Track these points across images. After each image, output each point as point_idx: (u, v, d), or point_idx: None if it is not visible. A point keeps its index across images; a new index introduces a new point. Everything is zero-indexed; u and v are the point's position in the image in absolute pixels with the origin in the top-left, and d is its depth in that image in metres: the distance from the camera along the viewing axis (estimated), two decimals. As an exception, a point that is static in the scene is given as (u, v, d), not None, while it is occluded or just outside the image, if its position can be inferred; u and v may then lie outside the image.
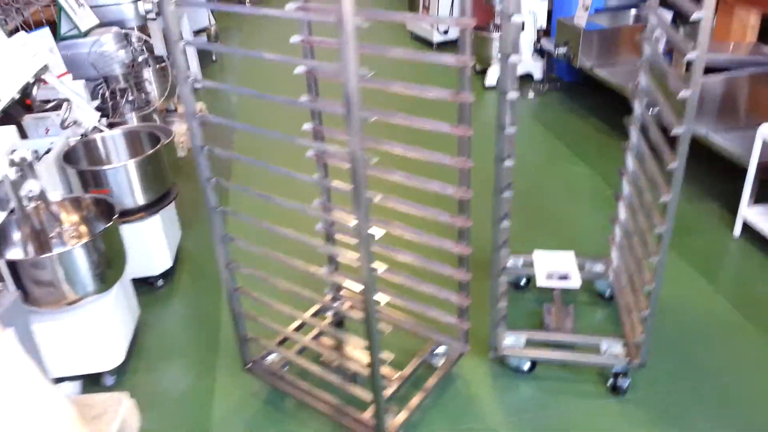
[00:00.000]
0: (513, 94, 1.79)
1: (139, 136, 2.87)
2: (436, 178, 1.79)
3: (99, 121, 2.80)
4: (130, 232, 2.60)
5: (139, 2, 3.99)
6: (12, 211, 2.14)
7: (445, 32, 6.05)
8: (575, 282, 2.42)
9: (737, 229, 2.99)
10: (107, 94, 3.37)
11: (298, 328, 2.31)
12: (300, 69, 1.81)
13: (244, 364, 2.23)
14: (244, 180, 3.82)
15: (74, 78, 3.11)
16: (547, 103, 4.80)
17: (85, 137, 2.77)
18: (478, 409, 2.17)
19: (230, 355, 2.45)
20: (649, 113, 2.19)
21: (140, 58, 3.65)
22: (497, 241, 2.01)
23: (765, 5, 3.29)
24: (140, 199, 2.65)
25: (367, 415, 1.96)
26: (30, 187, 2.07)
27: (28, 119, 2.87)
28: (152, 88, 3.80)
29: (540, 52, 5.04)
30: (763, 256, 2.84)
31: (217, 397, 2.28)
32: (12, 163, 2.01)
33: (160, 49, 4.19)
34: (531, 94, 4.94)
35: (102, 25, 3.70)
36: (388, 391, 2.04)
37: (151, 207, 2.70)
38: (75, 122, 2.66)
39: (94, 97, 3.38)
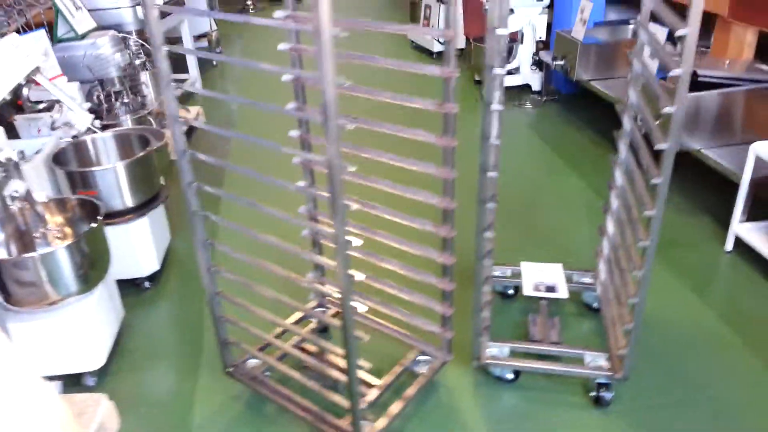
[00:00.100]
0: (497, 106, 1.79)
1: (130, 139, 2.88)
2: (424, 188, 1.80)
3: (92, 123, 2.81)
4: (117, 234, 2.60)
5: (137, 6, 4.01)
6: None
7: (443, 43, 6.07)
8: (562, 293, 2.42)
9: (729, 244, 2.97)
10: (102, 96, 3.38)
11: (280, 334, 2.30)
12: (287, 77, 1.81)
13: (224, 367, 2.22)
14: (237, 185, 3.83)
15: (69, 80, 3.12)
16: (544, 115, 4.80)
17: (76, 139, 2.77)
18: (460, 418, 2.15)
19: (213, 358, 2.44)
20: (639, 128, 2.19)
21: (137, 62, 3.67)
22: (480, 252, 2.01)
23: (762, 23, 3.30)
24: (128, 201, 2.65)
25: (346, 422, 1.95)
26: (15, 187, 2.08)
27: (20, 120, 2.88)
28: (149, 91, 3.82)
29: (538, 64, 5.05)
30: (753, 271, 2.83)
31: (198, 400, 2.28)
32: (-3, 163, 2.02)
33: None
34: (529, 105, 4.94)
35: (100, 28, 3.72)
36: (367, 399, 2.03)
37: (140, 209, 2.70)
38: (66, 124, 2.67)
39: (89, 99, 3.39)
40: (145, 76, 3.80)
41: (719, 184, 3.20)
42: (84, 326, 2.23)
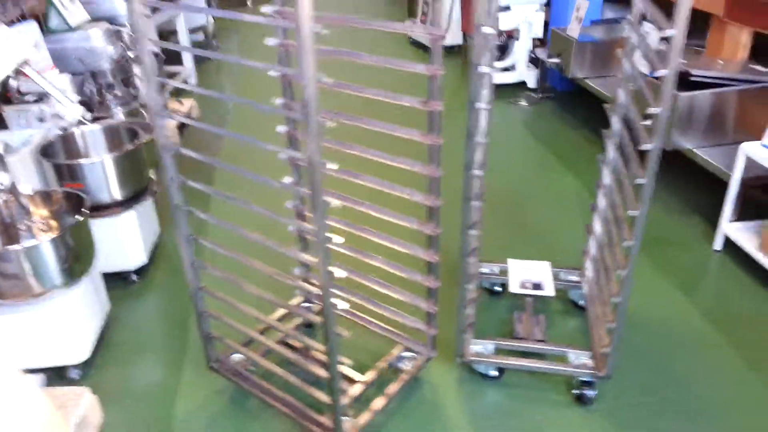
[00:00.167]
0: (482, 104, 1.78)
1: (119, 132, 2.87)
2: (415, 187, 1.80)
3: (83, 115, 2.81)
4: (104, 227, 2.60)
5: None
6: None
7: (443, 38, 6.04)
8: (548, 291, 2.42)
9: (718, 243, 2.97)
10: (94, 88, 3.37)
11: (264, 330, 2.30)
12: (272, 73, 1.81)
13: (208, 362, 2.22)
14: (228, 180, 3.82)
15: (61, 72, 3.11)
16: (540, 112, 4.79)
17: (65, 131, 2.77)
18: (443, 415, 2.15)
19: (198, 352, 2.44)
20: (627, 128, 2.18)
21: (130, 54, 3.66)
22: (465, 249, 2.01)
23: (757, 24, 3.29)
24: (116, 194, 2.64)
25: (328, 417, 1.95)
26: None
27: (9, 111, 2.87)
28: (141, 84, 3.80)
29: (535, 61, 5.04)
30: (742, 272, 2.82)
31: (181, 394, 2.28)
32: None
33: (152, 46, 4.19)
34: (524, 103, 4.93)
35: (94, 20, 3.71)
36: (350, 394, 2.03)
37: (128, 202, 2.70)
38: (54, 116, 2.66)
39: (81, 91, 3.38)
40: (137, 69, 3.78)
41: (711, 183, 3.20)
42: (68, 319, 2.23)
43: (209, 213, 1.91)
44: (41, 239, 2.09)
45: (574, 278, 2.60)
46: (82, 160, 2.57)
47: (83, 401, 2.01)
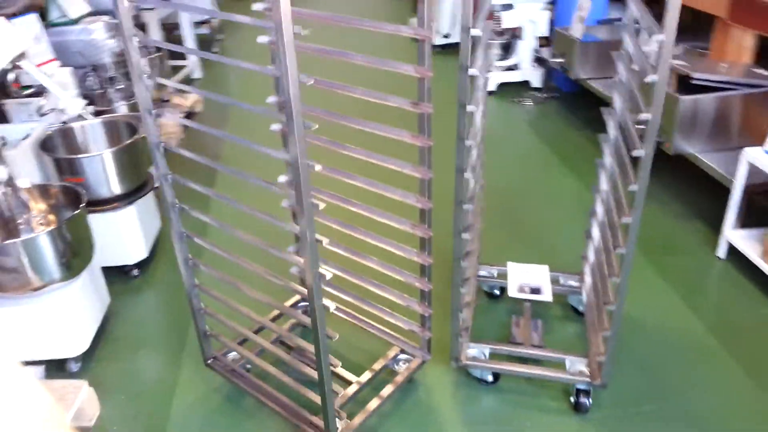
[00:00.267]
0: (471, 107, 1.76)
1: (119, 126, 2.87)
2: (411, 190, 1.79)
3: (84, 109, 2.80)
4: (104, 221, 2.60)
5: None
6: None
7: (446, 36, 6.02)
8: (546, 296, 2.41)
9: (722, 251, 2.95)
10: (95, 82, 3.37)
11: (260, 329, 2.30)
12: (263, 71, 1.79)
13: (204, 359, 2.22)
14: (227, 178, 3.81)
15: (62, 65, 3.11)
16: (545, 112, 4.77)
17: (65, 125, 2.77)
18: (438, 419, 2.15)
19: (197, 349, 2.43)
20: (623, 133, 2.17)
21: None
22: (458, 253, 2.00)
23: (761, 27, 3.26)
24: (116, 189, 2.64)
25: (320, 418, 1.95)
26: (-3, 172, 2.08)
27: (11, 104, 2.87)
28: (145, 77, 3.79)
29: (540, 60, 5.01)
30: (744, 279, 2.80)
31: (178, 390, 2.28)
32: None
33: (155, 39, 4.19)
34: (529, 102, 4.91)
35: (96, 13, 3.70)
36: (342, 396, 2.03)
37: (127, 197, 2.70)
38: (53, 109, 2.66)
39: (82, 85, 3.38)
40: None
41: (715, 188, 3.18)
42: (67, 313, 2.24)
43: (209, 210, 1.91)
44: (39, 232, 2.09)
45: (574, 283, 2.59)
46: (81, 155, 2.57)
47: (81, 394, 2.02)
